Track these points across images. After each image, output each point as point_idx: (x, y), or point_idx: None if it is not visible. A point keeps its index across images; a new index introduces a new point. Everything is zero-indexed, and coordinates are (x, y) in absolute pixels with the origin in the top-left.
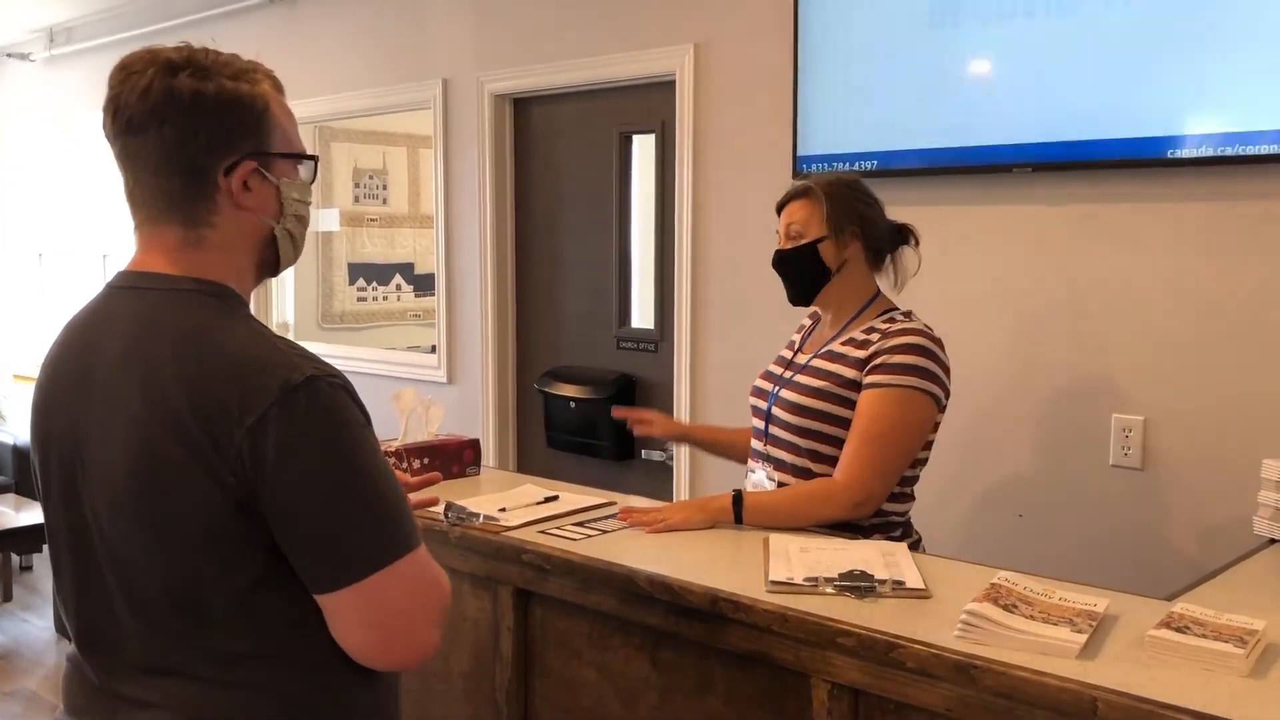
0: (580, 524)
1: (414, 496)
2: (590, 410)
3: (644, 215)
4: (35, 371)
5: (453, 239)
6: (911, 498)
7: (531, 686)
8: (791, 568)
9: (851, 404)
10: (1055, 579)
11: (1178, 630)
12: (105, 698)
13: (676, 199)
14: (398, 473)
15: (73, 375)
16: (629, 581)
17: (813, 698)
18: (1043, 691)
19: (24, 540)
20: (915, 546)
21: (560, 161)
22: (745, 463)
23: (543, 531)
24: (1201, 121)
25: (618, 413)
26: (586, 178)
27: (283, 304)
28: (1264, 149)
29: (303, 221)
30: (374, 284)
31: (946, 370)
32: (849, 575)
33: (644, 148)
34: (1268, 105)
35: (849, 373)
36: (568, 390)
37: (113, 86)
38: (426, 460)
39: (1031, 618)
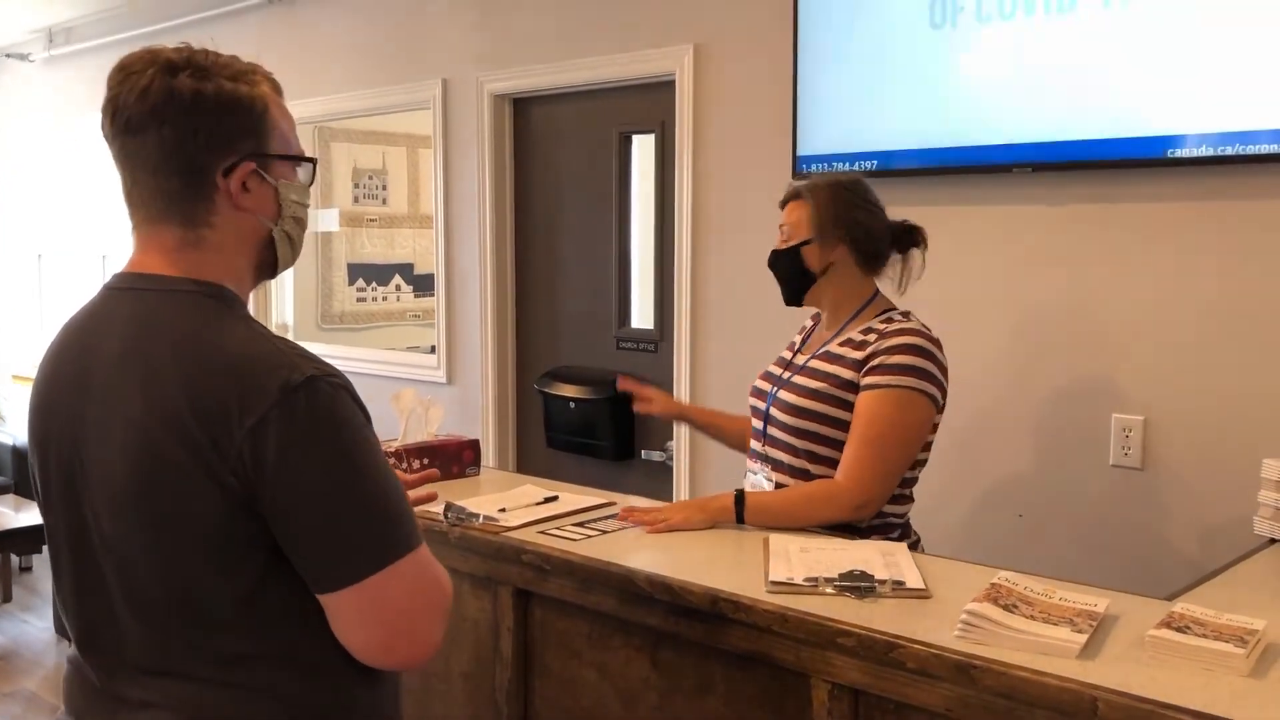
0: (580, 524)
1: (412, 494)
2: (590, 410)
3: (644, 215)
4: (34, 372)
5: (452, 239)
6: (910, 499)
7: (531, 687)
8: (791, 568)
9: (849, 405)
10: (1055, 579)
11: (1178, 630)
12: (106, 699)
13: (676, 199)
14: (397, 473)
15: (71, 376)
16: (629, 582)
17: (813, 698)
18: (1043, 691)
19: (24, 541)
20: (914, 547)
21: (560, 162)
22: (741, 449)
23: (542, 532)
24: (1201, 121)
25: (623, 384)
26: (586, 178)
27: (282, 304)
28: (1264, 149)
29: (301, 223)
30: (373, 284)
31: (945, 370)
32: (849, 575)
33: (644, 148)
34: (1268, 105)
35: (846, 374)
36: (567, 390)
37: (112, 87)
38: (426, 461)
39: (1032, 618)
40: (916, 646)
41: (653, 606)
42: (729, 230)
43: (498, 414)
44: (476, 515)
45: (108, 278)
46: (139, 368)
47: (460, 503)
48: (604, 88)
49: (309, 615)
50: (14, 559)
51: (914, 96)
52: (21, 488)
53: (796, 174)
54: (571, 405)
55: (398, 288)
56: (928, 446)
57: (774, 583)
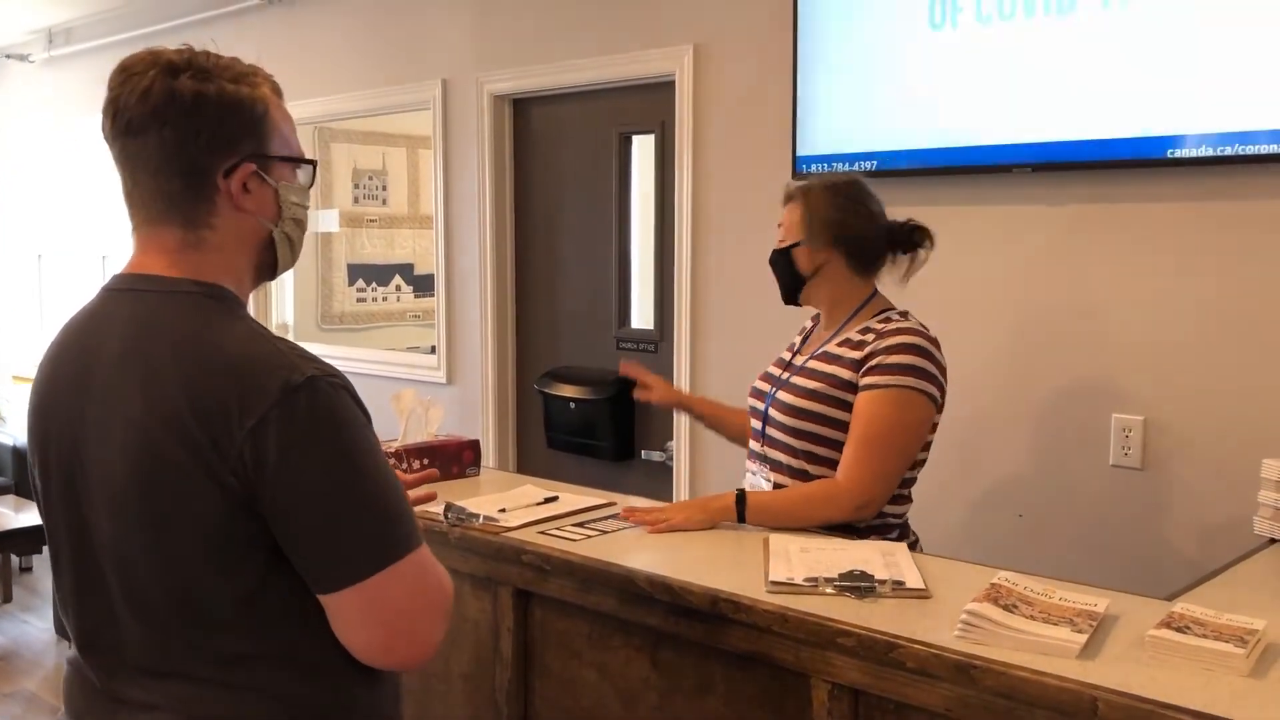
0: (580, 524)
1: (412, 494)
2: (590, 410)
3: (644, 216)
4: (34, 373)
5: (452, 239)
6: (909, 499)
7: (531, 687)
8: (791, 568)
9: (847, 405)
10: (1055, 579)
11: (1178, 630)
12: (106, 700)
13: (676, 199)
14: (396, 473)
15: (71, 377)
16: (629, 582)
17: (813, 698)
18: (1043, 691)
19: (24, 541)
20: (913, 547)
21: (560, 162)
22: (739, 442)
23: (543, 532)
24: (1201, 121)
25: (625, 368)
26: (586, 178)
27: (282, 305)
28: (1264, 149)
29: (301, 225)
30: (373, 285)
31: (943, 370)
32: (849, 575)
33: (644, 148)
34: (1268, 105)
35: (844, 374)
36: (567, 391)
37: (113, 88)
38: (426, 461)
39: (1032, 618)
40: (916, 646)
41: (653, 607)
42: (729, 230)
43: (498, 414)
44: (476, 515)
45: (107, 278)
46: (139, 368)
47: (460, 503)
48: (604, 88)
49: (309, 615)
50: (14, 559)
51: (913, 97)
52: (22, 488)
53: (796, 174)
54: (571, 405)
55: (398, 288)
56: (927, 446)
57: (774, 583)
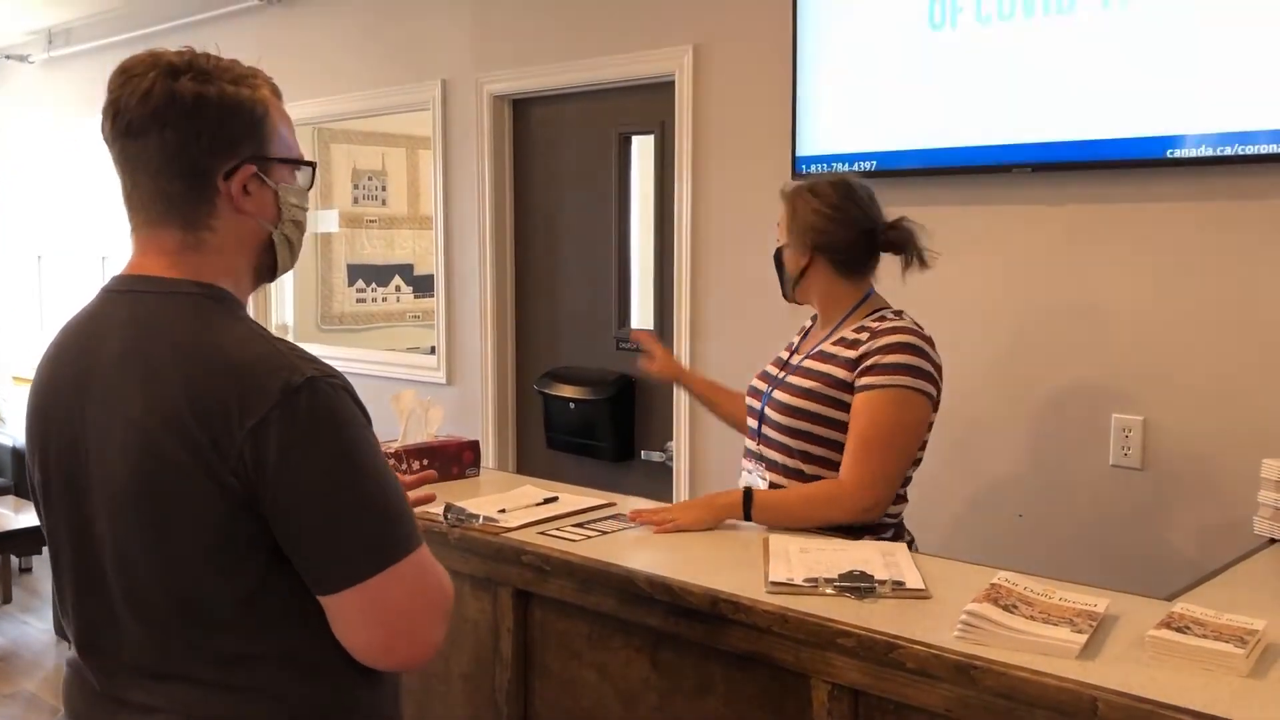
0: (580, 525)
1: (411, 495)
2: (590, 411)
3: (643, 216)
4: (34, 374)
5: (452, 240)
6: (904, 499)
7: (531, 688)
8: (791, 568)
9: (842, 405)
10: (1055, 579)
11: (1178, 630)
12: (106, 701)
13: (676, 200)
14: (396, 474)
15: (70, 378)
16: (629, 582)
17: (813, 698)
18: (1043, 692)
19: (24, 542)
20: (909, 548)
21: (559, 163)
22: (734, 426)
23: (542, 533)
24: (1201, 121)
25: (635, 335)
26: (586, 179)
27: (282, 305)
28: (1264, 149)
29: (300, 227)
30: (373, 285)
31: (939, 369)
32: (849, 576)
33: (643, 149)
34: (1267, 105)
35: (839, 373)
36: (567, 391)
37: (113, 90)
38: (426, 461)
39: (1031, 618)
40: (916, 647)
41: (653, 607)
42: (729, 230)
43: (497, 415)
44: (476, 516)
45: (107, 279)
46: (139, 369)
47: (460, 504)
48: (603, 88)
49: (309, 616)
50: (14, 560)
51: (913, 97)
52: (21, 489)
53: (796, 174)
54: (571, 406)
55: (397, 289)
56: (923, 446)
57: (774, 583)
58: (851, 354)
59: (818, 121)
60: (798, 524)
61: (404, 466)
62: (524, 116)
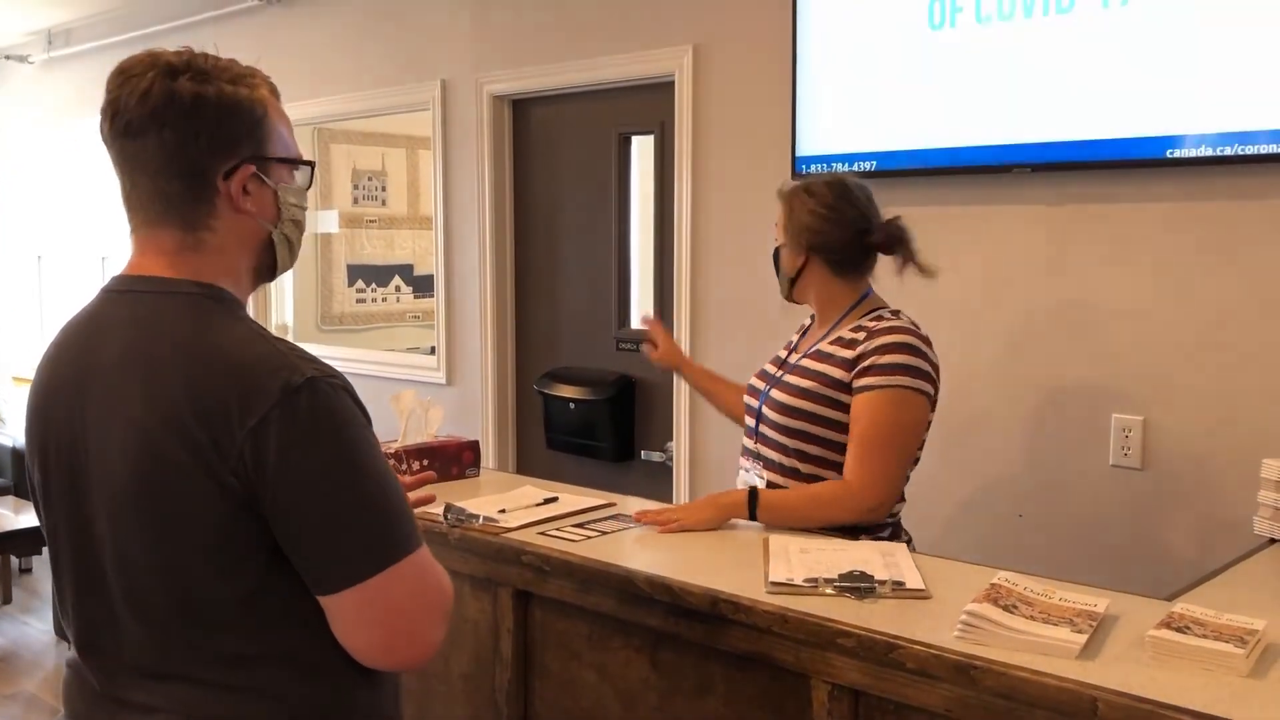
0: (580, 525)
1: (411, 495)
2: (590, 411)
3: (644, 216)
4: (33, 374)
5: (452, 240)
6: (903, 499)
7: (531, 688)
8: (791, 568)
9: (838, 405)
10: (1055, 579)
11: (1178, 630)
12: (107, 702)
13: (676, 200)
14: (396, 474)
15: (70, 378)
16: (628, 583)
17: (813, 699)
18: (1043, 692)
19: (24, 543)
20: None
21: (559, 163)
22: (730, 416)
23: (542, 533)
24: (1201, 121)
25: (645, 320)
26: (585, 179)
27: (282, 305)
28: (1264, 149)
29: (299, 226)
30: (373, 285)
31: (936, 368)
32: (849, 576)
33: (643, 149)
34: (1267, 105)
35: (836, 373)
36: (567, 391)
37: (111, 90)
38: (426, 462)
39: (1031, 618)
40: (916, 647)
41: (652, 607)
42: (729, 231)
43: (497, 415)
44: (476, 516)
45: (107, 279)
46: (139, 369)
47: (460, 504)
48: (603, 88)
49: (309, 616)
50: (14, 561)
51: (913, 97)
52: (21, 490)
53: (796, 174)
54: (571, 406)
55: (397, 289)
56: (921, 445)
57: (774, 583)
58: (848, 354)
59: (818, 121)
60: (803, 524)
61: (404, 467)
62: (524, 116)
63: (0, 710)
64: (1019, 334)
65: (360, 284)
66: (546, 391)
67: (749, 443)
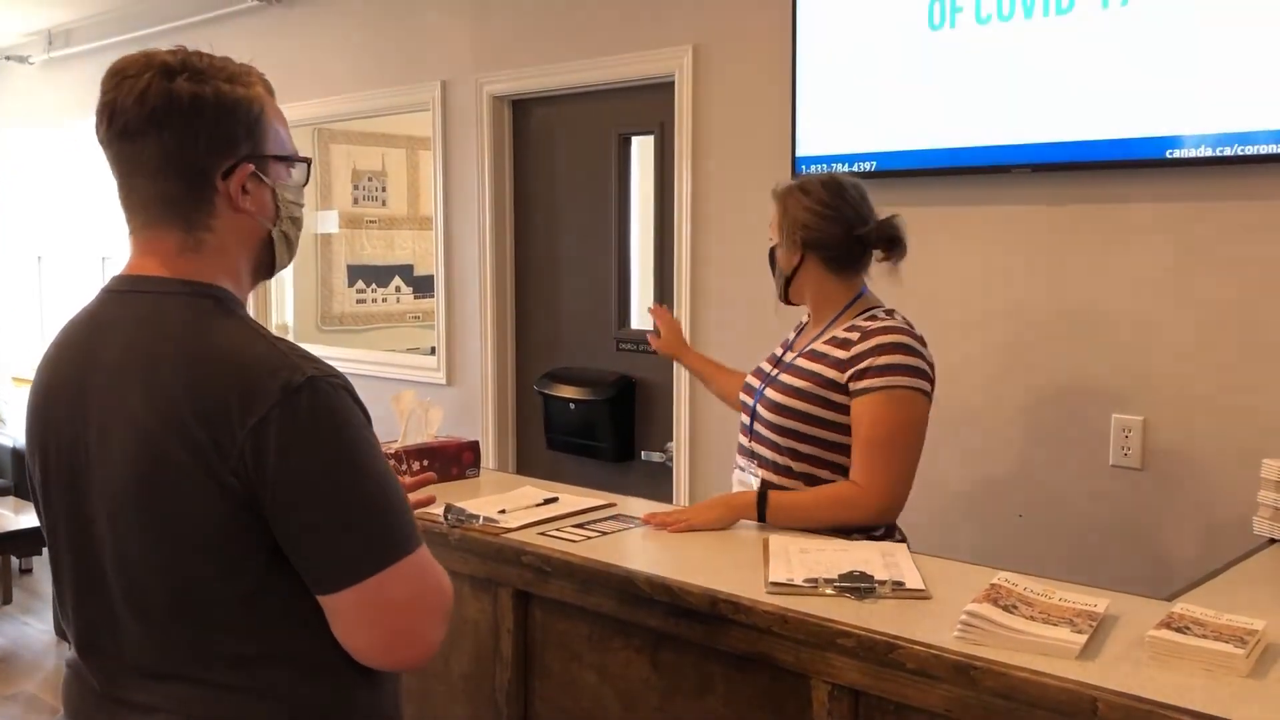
0: (580, 526)
1: (411, 496)
2: (590, 411)
3: (644, 216)
4: (34, 375)
5: (452, 241)
6: None
7: (531, 688)
8: (791, 569)
9: (832, 404)
10: (1055, 579)
11: (1178, 630)
12: (107, 703)
13: (676, 200)
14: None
15: (71, 379)
16: (629, 583)
17: (813, 699)
18: (1043, 692)
19: (24, 543)
20: None
21: (559, 163)
22: (727, 402)
23: (542, 533)
24: (1201, 121)
25: (652, 310)
26: (585, 179)
27: (282, 306)
28: (1264, 149)
29: (298, 224)
30: (373, 286)
31: (931, 366)
32: (849, 576)
33: (643, 149)
34: (1267, 105)
35: (830, 373)
36: (567, 392)
37: (107, 91)
38: (426, 462)
39: (1031, 618)
40: (916, 647)
41: (653, 608)
42: (728, 231)
43: (497, 415)
44: (476, 517)
45: (107, 280)
46: (140, 369)
47: (460, 504)
48: (603, 89)
49: (309, 616)
50: (14, 561)
51: (913, 97)
52: (21, 490)
53: (796, 174)
54: (571, 406)
55: (397, 289)
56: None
57: (774, 584)
58: (842, 354)
59: (818, 121)
60: (812, 525)
61: (404, 467)
62: (524, 117)
63: (0, 710)
64: (1019, 334)
65: (360, 284)
66: (546, 392)
67: (744, 440)
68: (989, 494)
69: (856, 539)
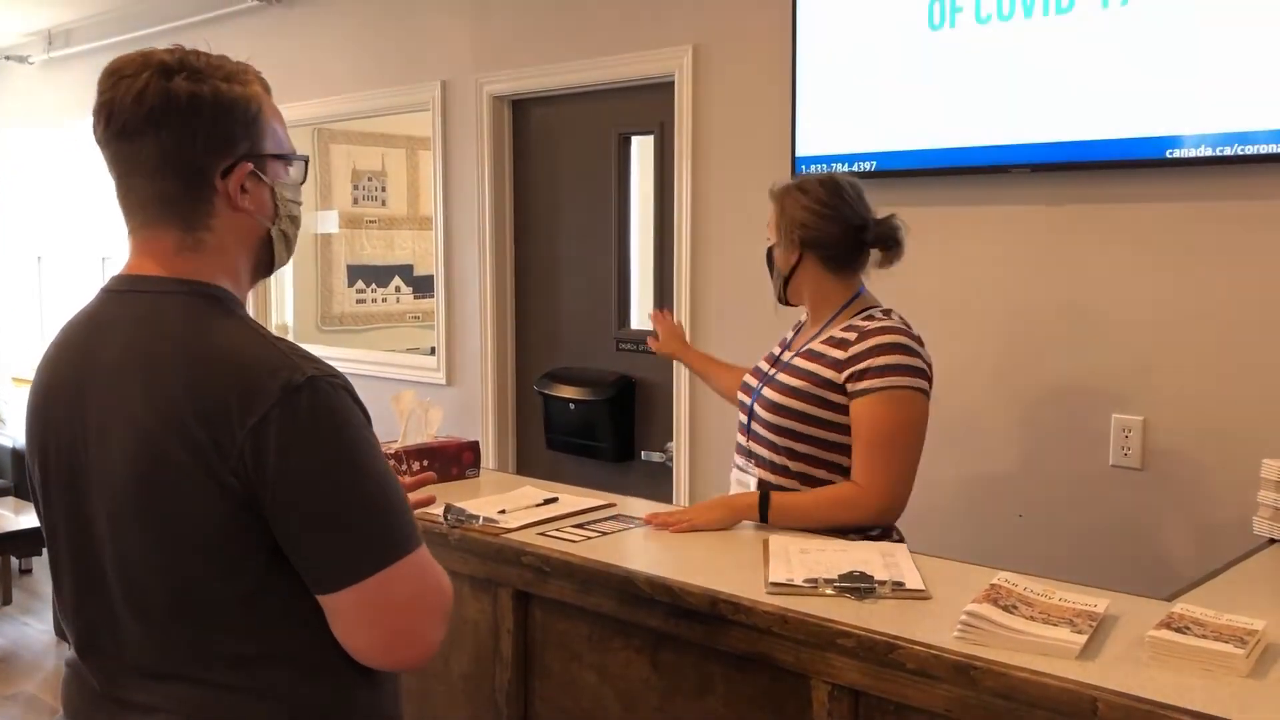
0: (580, 526)
1: (411, 496)
2: (590, 412)
3: (644, 216)
4: (33, 375)
5: (452, 241)
6: None
7: (531, 688)
8: (791, 569)
9: (828, 404)
10: (1055, 579)
11: (1178, 630)
12: (107, 703)
13: (676, 200)
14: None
15: (70, 379)
16: (629, 583)
17: (813, 699)
18: (1043, 692)
19: (24, 543)
20: None
21: (559, 163)
22: (726, 398)
23: (542, 533)
24: (1201, 121)
25: (652, 316)
26: (585, 179)
27: (282, 306)
28: (1264, 149)
29: (296, 222)
30: (373, 286)
31: (929, 365)
32: (849, 576)
33: (643, 149)
34: (1267, 105)
35: (826, 373)
36: (567, 392)
37: (104, 91)
38: (426, 462)
39: (1031, 618)
40: (916, 647)
41: (653, 608)
42: (728, 231)
43: (497, 415)
44: (476, 517)
45: (106, 280)
46: (140, 369)
47: (460, 504)
48: (603, 89)
49: (309, 616)
50: (14, 562)
51: (912, 97)
52: (21, 490)
53: (795, 174)
54: (571, 406)
55: (397, 289)
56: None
57: (774, 584)
58: (839, 354)
59: (817, 121)
60: (814, 526)
61: (404, 467)
62: (524, 117)
63: (0, 710)
64: (1019, 334)
65: (360, 284)
66: (546, 392)
67: (742, 439)
68: (989, 494)
69: (853, 539)
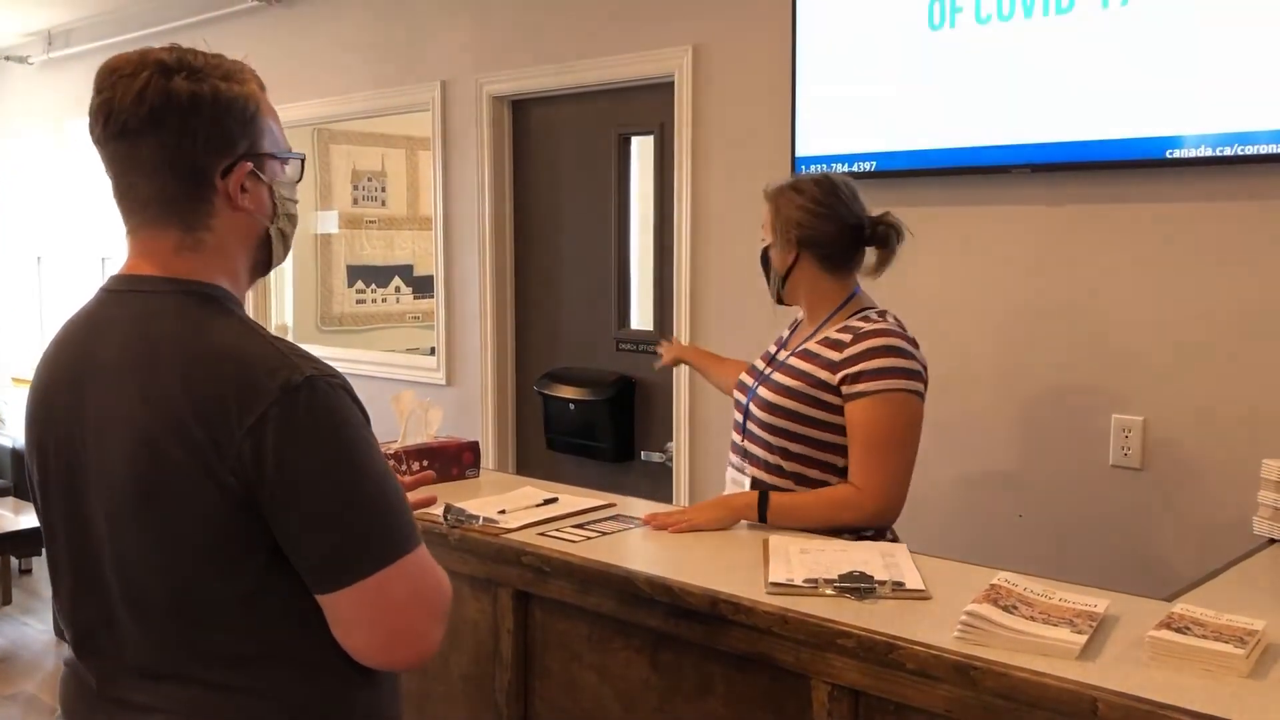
0: (580, 526)
1: (411, 496)
2: (590, 412)
3: (643, 216)
4: (33, 375)
5: (451, 241)
6: None
7: (531, 688)
8: (791, 569)
9: (823, 404)
10: (1055, 579)
11: (1178, 630)
12: (105, 703)
13: (675, 200)
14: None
15: (70, 379)
16: (628, 583)
17: (813, 699)
18: (1043, 692)
19: (23, 543)
20: None
21: (559, 163)
22: (725, 390)
23: (542, 534)
24: (1201, 121)
25: (660, 348)
26: (585, 179)
27: (282, 306)
28: (1264, 149)
29: (293, 220)
30: (373, 286)
31: (924, 367)
32: (849, 576)
33: (643, 149)
34: (1268, 105)
35: (821, 373)
36: (567, 392)
37: (102, 90)
38: (426, 462)
39: (1031, 618)
40: (916, 647)
41: (653, 608)
42: (728, 231)
43: (497, 416)
44: (476, 517)
45: (105, 280)
46: (139, 369)
47: (460, 504)
48: (603, 89)
49: (309, 616)
50: (14, 561)
51: (912, 97)
52: (21, 490)
53: (794, 174)
54: (571, 407)
55: (397, 289)
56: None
57: (774, 584)
58: (835, 355)
59: (817, 121)
60: (812, 526)
61: (404, 467)
62: (523, 117)
63: (0, 710)
64: (1019, 334)
65: (360, 285)
66: (546, 392)
67: (737, 438)
68: (989, 494)
69: (847, 539)
